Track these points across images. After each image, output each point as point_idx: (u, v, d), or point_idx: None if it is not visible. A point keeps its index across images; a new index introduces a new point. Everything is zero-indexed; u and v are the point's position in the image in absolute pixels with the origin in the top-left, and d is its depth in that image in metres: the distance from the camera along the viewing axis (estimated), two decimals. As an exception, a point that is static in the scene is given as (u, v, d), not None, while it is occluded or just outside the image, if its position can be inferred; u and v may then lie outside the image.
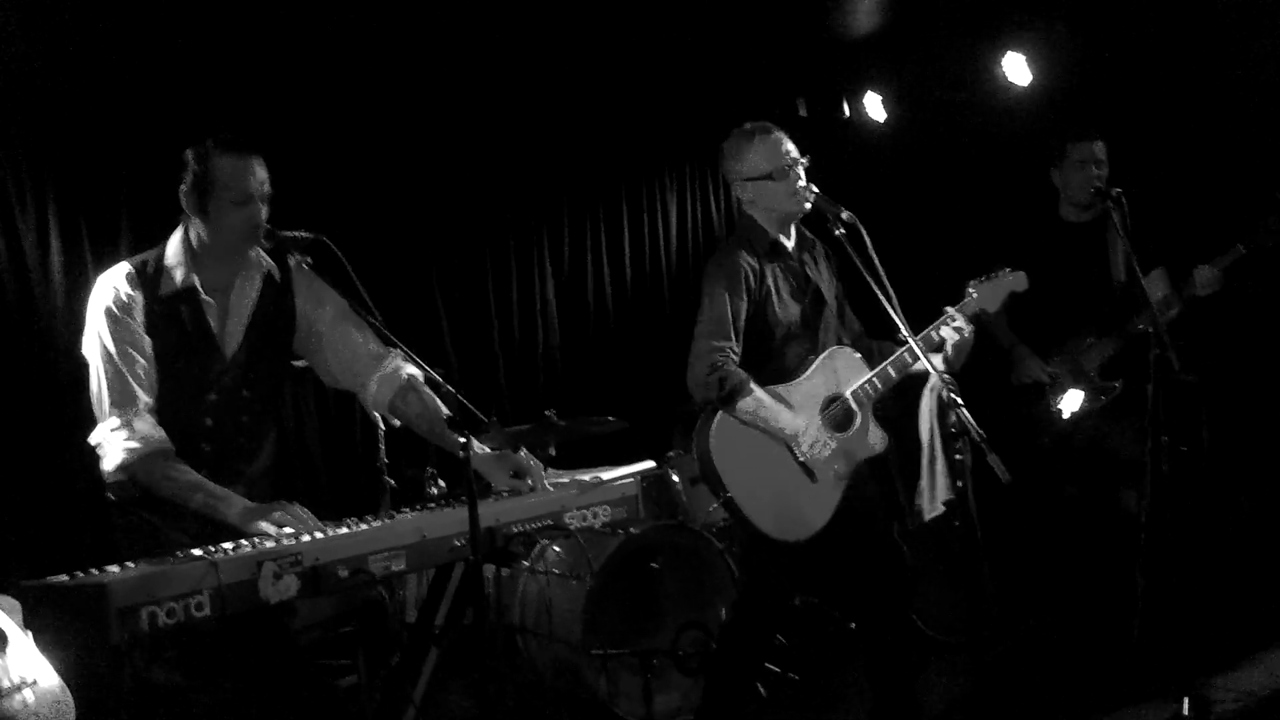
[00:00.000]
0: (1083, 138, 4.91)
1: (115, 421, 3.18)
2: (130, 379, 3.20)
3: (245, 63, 5.46)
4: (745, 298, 3.89)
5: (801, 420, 3.85)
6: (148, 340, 3.24)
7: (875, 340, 4.13)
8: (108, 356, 3.21)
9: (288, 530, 2.99)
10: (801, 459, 3.84)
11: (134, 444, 3.16)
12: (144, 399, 3.21)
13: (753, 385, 3.82)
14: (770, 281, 3.94)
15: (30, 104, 5.08)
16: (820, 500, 3.86)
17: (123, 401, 3.19)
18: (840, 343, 4.04)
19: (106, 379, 3.21)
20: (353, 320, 3.49)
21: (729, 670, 4.07)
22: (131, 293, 3.25)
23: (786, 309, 3.95)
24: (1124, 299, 4.89)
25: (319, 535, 2.95)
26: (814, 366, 3.94)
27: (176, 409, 3.27)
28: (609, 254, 7.19)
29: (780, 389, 3.89)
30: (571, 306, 7.03)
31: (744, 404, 3.80)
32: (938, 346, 3.87)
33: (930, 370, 3.67)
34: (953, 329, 3.85)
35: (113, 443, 3.18)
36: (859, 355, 3.99)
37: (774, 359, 3.95)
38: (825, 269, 4.13)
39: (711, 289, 3.92)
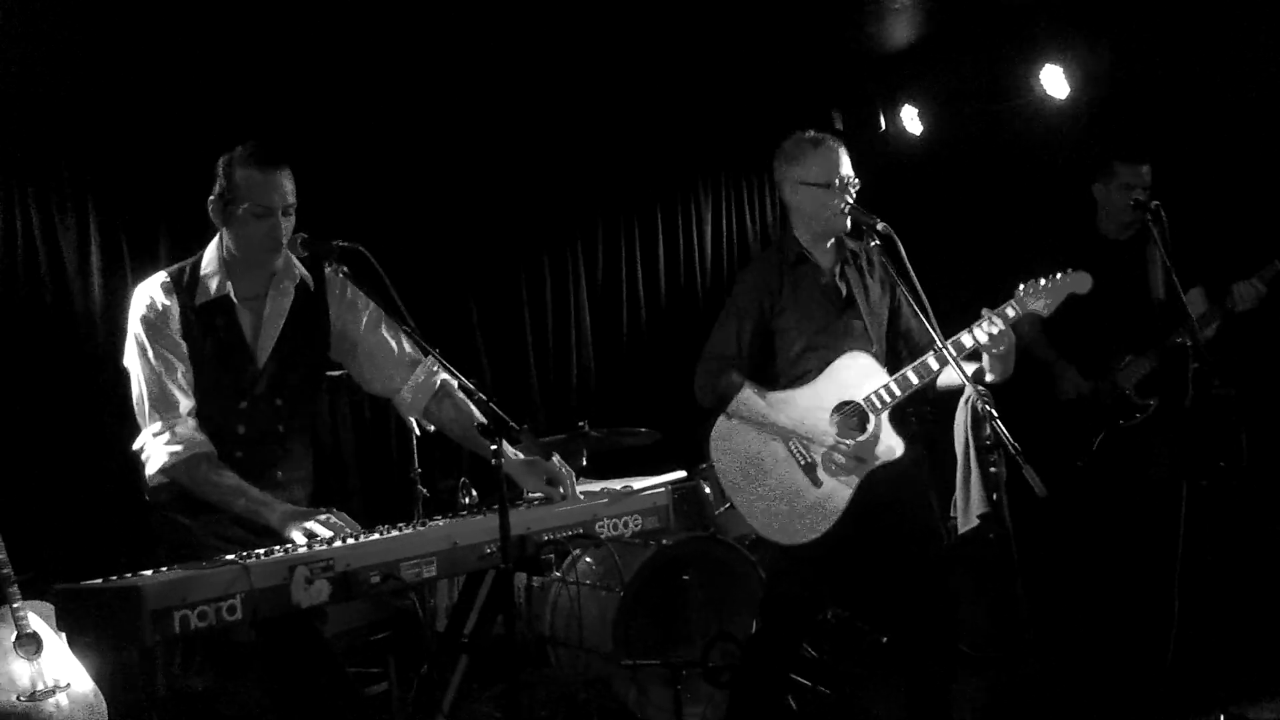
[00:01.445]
0: (1132, 160, 4.84)
1: (157, 426, 3.22)
2: (170, 385, 3.24)
3: (286, 76, 5.52)
4: (757, 316, 3.93)
5: (797, 417, 3.82)
6: (185, 345, 3.28)
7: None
8: (148, 364, 3.25)
9: (324, 534, 3.01)
10: (803, 461, 3.82)
11: (176, 447, 3.19)
12: (185, 404, 3.25)
13: (747, 386, 3.84)
14: (790, 293, 3.93)
15: (71, 116, 5.14)
16: (824, 505, 3.80)
17: (164, 407, 3.23)
18: (871, 351, 3.93)
19: (147, 386, 3.25)
20: (387, 327, 3.52)
21: (754, 682, 4.04)
22: (167, 301, 3.28)
23: (806, 320, 3.92)
24: (1162, 316, 4.84)
25: (351, 541, 2.96)
26: (824, 372, 3.89)
27: (209, 416, 3.30)
28: (644, 265, 7.20)
29: (786, 393, 3.88)
30: (606, 317, 7.04)
31: (738, 400, 3.83)
32: (972, 353, 3.78)
33: (964, 381, 3.61)
34: (984, 332, 3.69)
35: (155, 447, 3.21)
36: (876, 362, 3.88)
37: (793, 368, 3.93)
38: (874, 279, 4.04)
39: (727, 307, 4.01)
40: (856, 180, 3.89)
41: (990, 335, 3.69)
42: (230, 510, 3.17)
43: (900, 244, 3.65)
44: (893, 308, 4.07)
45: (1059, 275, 3.81)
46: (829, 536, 3.80)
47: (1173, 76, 5.85)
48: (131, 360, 3.30)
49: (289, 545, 2.96)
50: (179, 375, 3.25)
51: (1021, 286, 3.80)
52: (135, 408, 3.30)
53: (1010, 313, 3.76)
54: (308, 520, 3.07)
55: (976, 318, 3.82)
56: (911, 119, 7.16)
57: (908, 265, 3.59)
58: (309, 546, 2.92)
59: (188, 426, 3.23)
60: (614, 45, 6.10)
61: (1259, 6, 5.54)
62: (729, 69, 6.60)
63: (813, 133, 3.97)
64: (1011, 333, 3.72)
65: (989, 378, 3.79)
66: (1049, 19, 6.18)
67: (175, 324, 3.28)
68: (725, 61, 6.50)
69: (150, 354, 3.25)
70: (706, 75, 6.63)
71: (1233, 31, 5.63)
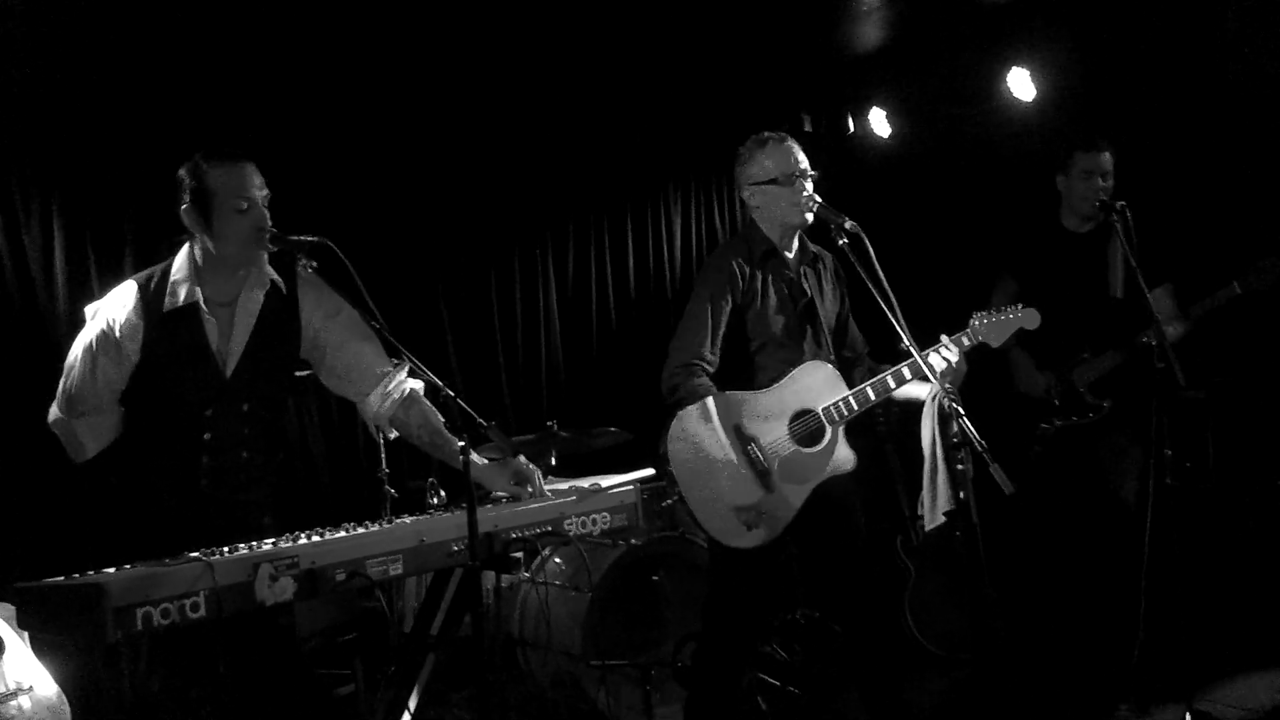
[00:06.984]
0: (1091, 148, 4.87)
1: (59, 415, 3.37)
2: (89, 394, 3.30)
3: (251, 74, 5.48)
4: (729, 300, 3.93)
5: (758, 421, 3.84)
6: (123, 375, 3.30)
7: (878, 362, 4.09)
8: (85, 368, 3.28)
9: None
10: (760, 466, 3.83)
11: (61, 417, 3.38)
12: (93, 407, 3.33)
13: (715, 395, 3.83)
14: (758, 286, 3.96)
15: (36, 114, 5.10)
16: (775, 511, 3.82)
17: (80, 405, 3.33)
18: (828, 358, 4.00)
19: (76, 383, 3.31)
20: (360, 332, 3.48)
21: (705, 683, 4.05)
22: (133, 319, 3.26)
23: (770, 317, 3.96)
24: (1121, 314, 4.85)
25: (316, 538, 2.95)
26: (789, 377, 3.92)
27: (175, 423, 3.30)
28: (613, 266, 7.21)
29: (748, 394, 3.90)
30: (575, 318, 7.04)
31: (706, 404, 3.82)
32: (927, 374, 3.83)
33: (932, 380, 3.65)
34: (941, 358, 3.78)
35: (54, 411, 3.40)
36: (837, 372, 3.95)
37: (751, 365, 3.97)
38: (829, 284, 4.13)
39: (698, 290, 4.01)
40: (814, 172, 3.95)
41: (947, 360, 3.79)
42: None
43: (869, 244, 3.66)
44: (841, 314, 4.15)
45: (1009, 311, 3.91)
46: (778, 540, 3.84)
47: (1140, 77, 5.89)
48: (76, 347, 3.33)
49: (253, 543, 2.94)
50: (102, 391, 3.30)
51: (975, 318, 3.90)
52: (60, 384, 3.36)
53: (965, 341, 3.87)
54: None
55: (945, 318, 3.88)
56: (880, 122, 7.19)
57: (876, 266, 3.61)
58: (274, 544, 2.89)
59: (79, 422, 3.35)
60: (585, 47, 6.10)
61: (1225, 6, 5.60)
62: (699, 71, 6.61)
63: (765, 133, 4.04)
64: (964, 361, 3.83)
65: None
66: (1017, 22, 6.22)
67: (136, 342, 3.26)
68: (695, 64, 6.51)
69: (90, 361, 3.27)
70: (676, 77, 6.64)
71: (1201, 32, 5.68)
